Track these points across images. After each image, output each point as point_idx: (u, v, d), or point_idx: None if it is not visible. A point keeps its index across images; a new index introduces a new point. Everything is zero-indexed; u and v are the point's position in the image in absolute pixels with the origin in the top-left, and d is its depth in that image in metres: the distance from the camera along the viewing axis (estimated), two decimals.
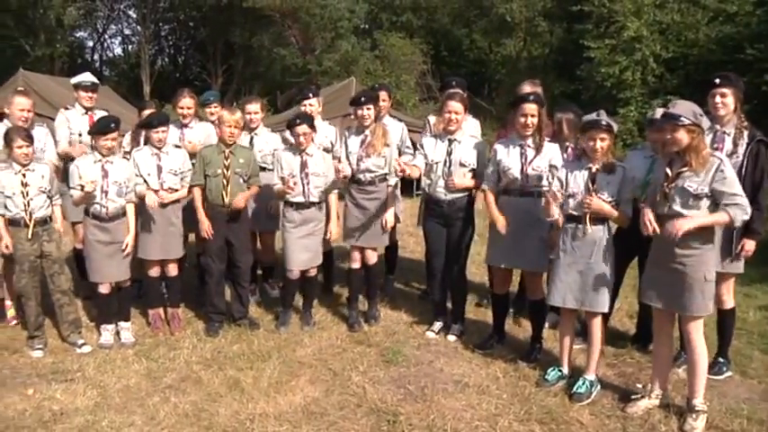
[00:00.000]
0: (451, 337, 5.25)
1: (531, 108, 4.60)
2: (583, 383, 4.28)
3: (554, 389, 4.37)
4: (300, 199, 5.25)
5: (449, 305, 5.45)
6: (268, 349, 4.97)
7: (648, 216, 3.81)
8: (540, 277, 4.89)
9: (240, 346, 5.05)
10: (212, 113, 5.96)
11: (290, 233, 5.32)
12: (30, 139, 4.77)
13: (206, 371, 4.60)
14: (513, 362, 4.79)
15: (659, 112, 4.72)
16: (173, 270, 5.45)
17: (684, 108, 3.72)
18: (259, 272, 6.38)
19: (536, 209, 4.66)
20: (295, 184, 5.16)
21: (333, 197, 5.46)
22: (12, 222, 4.78)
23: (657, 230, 3.77)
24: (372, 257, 5.52)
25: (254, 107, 5.84)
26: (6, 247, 4.74)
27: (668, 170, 3.82)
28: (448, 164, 5.02)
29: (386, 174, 5.37)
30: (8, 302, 5.53)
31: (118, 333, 5.18)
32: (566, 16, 23.65)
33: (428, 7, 28.52)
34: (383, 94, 5.89)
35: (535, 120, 4.60)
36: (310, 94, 5.82)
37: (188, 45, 34.23)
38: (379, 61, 25.58)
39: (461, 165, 4.99)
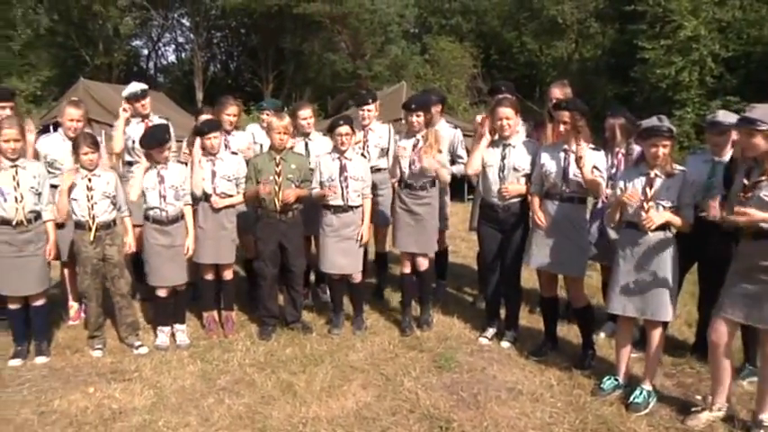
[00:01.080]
0: (505, 344, 5.19)
1: (564, 114, 4.58)
2: (640, 393, 4.17)
3: (610, 398, 4.27)
4: (339, 202, 5.28)
5: (502, 311, 5.40)
6: (321, 353, 5.00)
7: (714, 204, 3.72)
8: (580, 283, 4.83)
9: (293, 349, 5.08)
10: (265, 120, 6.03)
11: (328, 237, 5.35)
12: (95, 145, 4.89)
13: (259, 374, 4.64)
14: (568, 369, 4.70)
15: (720, 114, 4.59)
16: (227, 274, 5.52)
17: (763, 112, 3.54)
18: (312, 276, 6.42)
19: (575, 214, 4.68)
20: (334, 188, 5.22)
21: (367, 201, 5.43)
22: (77, 225, 4.93)
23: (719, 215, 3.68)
24: (424, 263, 5.49)
25: (307, 112, 5.88)
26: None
27: (745, 180, 3.67)
28: (502, 168, 4.97)
29: (434, 179, 5.36)
30: (71, 303, 5.71)
31: (173, 335, 5.28)
32: (618, 17, 23.28)
33: (477, 10, 28.46)
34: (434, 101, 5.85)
35: (568, 126, 4.56)
36: (369, 100, 5.87)
37: (240, 51, 34.78)
38: (428, 65, 25.64)
39: (515, 170, 4.94)
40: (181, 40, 35.65)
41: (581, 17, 25.24)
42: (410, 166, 5.27)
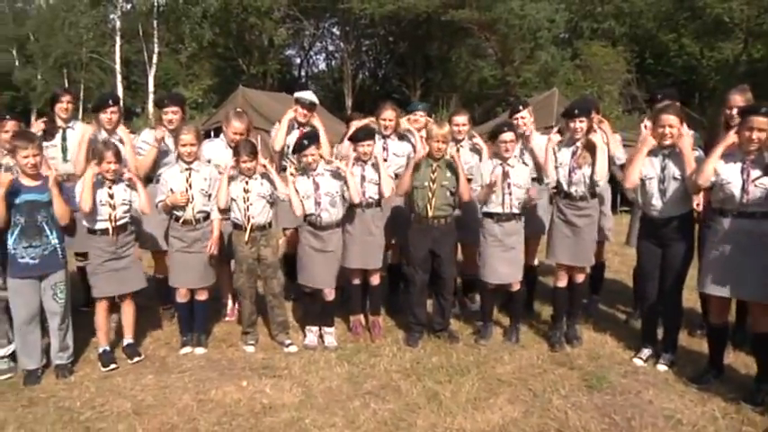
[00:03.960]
0: (661, 367, 4.85)
1: (761, 121, 4.15)
2: None
3: None
4: (499, 209, 5.17)
5: (659, 332, 5.05)
6: (467, 364, 4.92)
7: None
8: (766, 308, 4.35)
9: (439, 358, 5.04)
10: (416, 121, 6.03)
11: (491, 246, 5.23)
12: (254, 154, 5.09)
13: (405, 380, 4.64)
14: (735, 402, 4.28)
15: None
16: (374, 279, 5.57)
17: None
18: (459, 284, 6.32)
19: (759, 231, 4.21)
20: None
21: None
22: (234, 226, 5.20)
23: None
24: (580, 276, 5.30)
25: (462, 119, 5.83)
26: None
27: None
28: (662, 180, 4.67)
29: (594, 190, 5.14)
30: (228, 300, 6.01)
31: (321, 336, 5.39)
32: None
33: (632, 12, 27.11)
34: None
35: (763, 135, 4.15)
36: (520, 107, 5.74)
37: (388, 59, 35.41)
38: (580, 71, 24.77)
39: (675, 179, 4.63)
40: (331, 48, 36.89)
41: (752, 14, 23.28)
42: (570, 174, 5.09)
